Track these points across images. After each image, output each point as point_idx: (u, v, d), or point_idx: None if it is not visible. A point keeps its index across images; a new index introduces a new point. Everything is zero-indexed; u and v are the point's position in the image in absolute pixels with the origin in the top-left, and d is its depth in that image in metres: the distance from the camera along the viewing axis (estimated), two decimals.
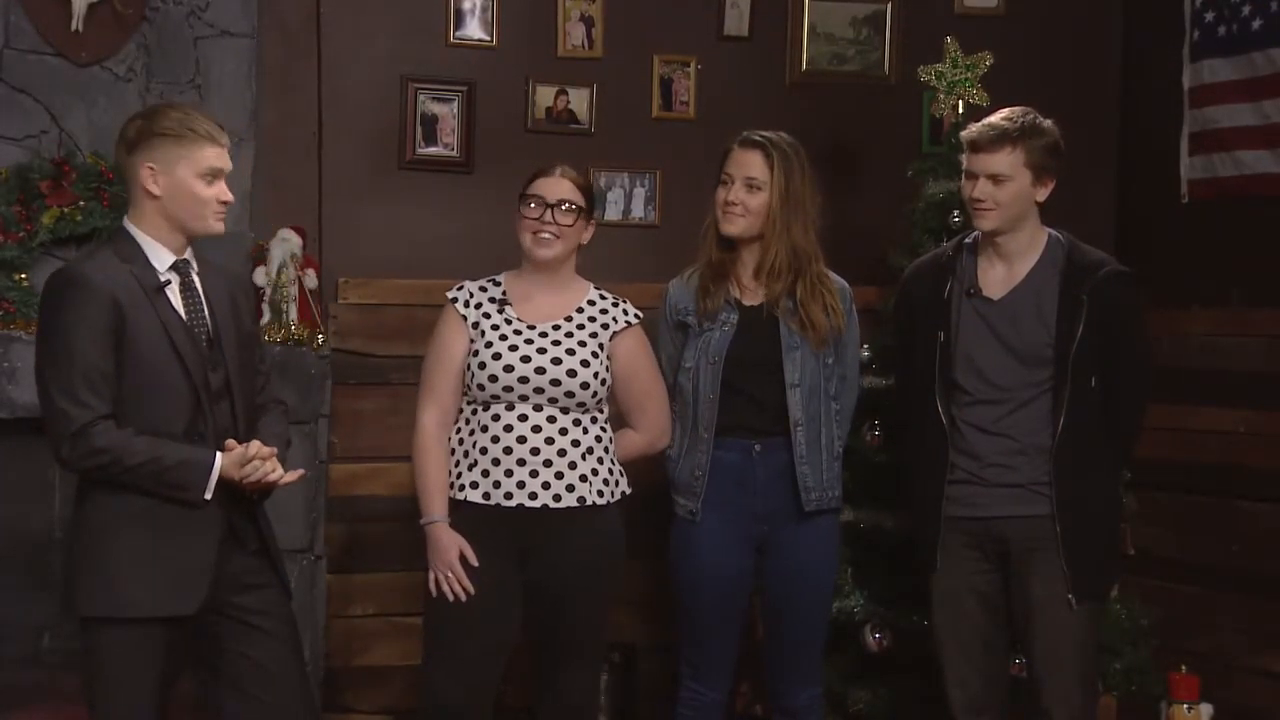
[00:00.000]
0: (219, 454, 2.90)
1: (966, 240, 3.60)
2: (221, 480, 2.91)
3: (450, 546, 3.34)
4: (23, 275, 3.95)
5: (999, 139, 3.44)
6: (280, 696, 3.03)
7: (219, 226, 3.01)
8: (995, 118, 3.51)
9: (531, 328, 3.43)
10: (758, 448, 3.54)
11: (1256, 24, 4.47)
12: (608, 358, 3.45)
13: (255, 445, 2.95)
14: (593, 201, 3.51)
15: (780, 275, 3.54)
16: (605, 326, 3.48)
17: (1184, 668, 4.37)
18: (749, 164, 3.55)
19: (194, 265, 3.02)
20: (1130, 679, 4.29)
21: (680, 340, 3.62)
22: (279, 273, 4.13)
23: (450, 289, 3.49)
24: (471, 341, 3.41)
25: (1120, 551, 3.66)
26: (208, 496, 2.89)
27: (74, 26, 4.03)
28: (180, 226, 2.97)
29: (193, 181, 2.94)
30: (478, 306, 3.45)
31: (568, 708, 3.48)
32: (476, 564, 3.33)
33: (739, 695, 4.35)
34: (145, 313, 2.89)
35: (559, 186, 3.43)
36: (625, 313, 3.52)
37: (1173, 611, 4.57)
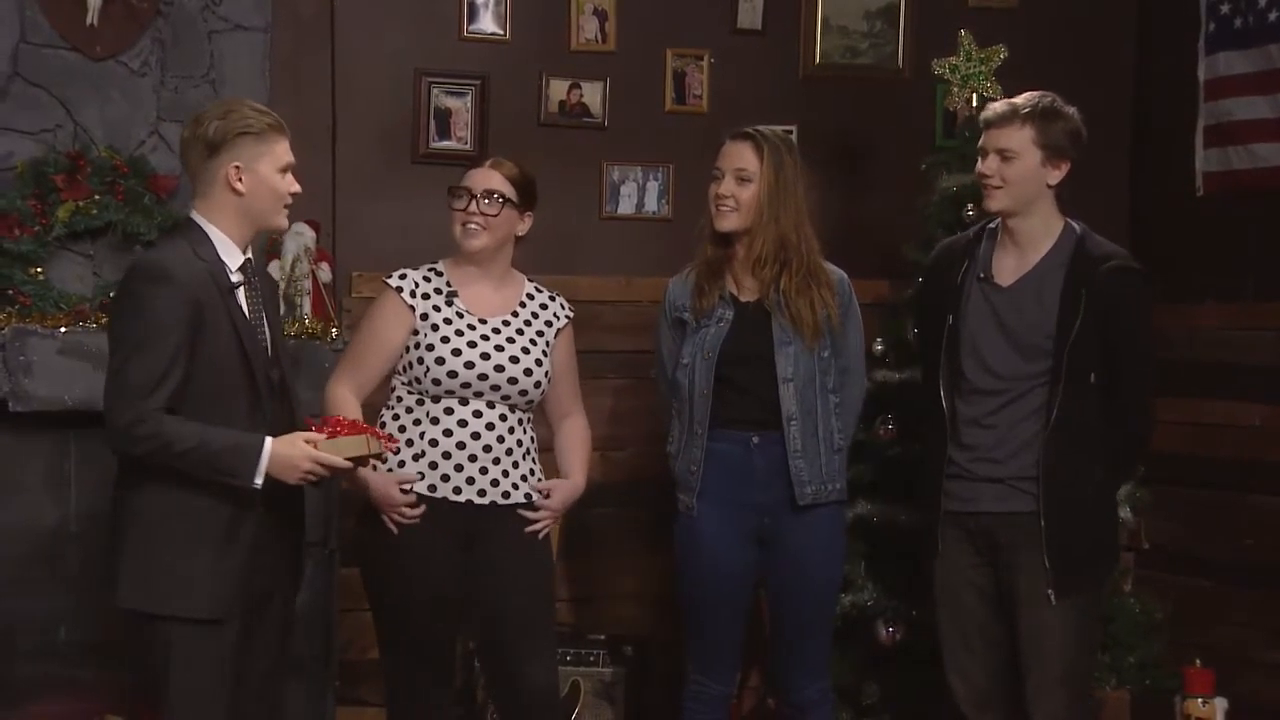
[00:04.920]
0: (269, 439, 2.90)
1: (990, 226, 3.58)
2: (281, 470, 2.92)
3: (387, 485, 3.34)
4: (38, 269, 3.96)
5: (1010, 115, 3.44)
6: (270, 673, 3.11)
7: (285, 221, 3.08)
8: (1016, 98, 3.50)
9: (484, 322, 3.45)
10: (755, 440, 3.53)
11: (1273, 16, 4.46)
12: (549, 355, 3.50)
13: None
14: (530, 194, 3.51)
15: (766, 265, 3.52)
16: (549, 324, 3.52)
17: (1198, 662, 4.36)
18: (739, 156, 3.53)
19: (253, 265, 3.06)
20: (1144, 673, 4.30)
21: (678, 337, 3.63)
22: (293, 266, 4.14)
23: (390, 276, 3.49)
24: (416, 333, 3.42)
25: (1112, 549, 3.59)
26: (258, 482, 2.89)
27: (89, 21, 4.04)
28: (254, 222, 3.01)
29: (274, 177, 2.99)
30: (425, 297, 3.45)
31: (533, 697, 3.47)
32: (413, 490, 3.35)
33: (750, 690, 4.36)
34: (220, 313, 2.94)
35: (487, 178, 3.47)
36: (563, 307, 3.57)
37: (1187, 605, 4.57)
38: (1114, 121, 4.93)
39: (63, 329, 3.88)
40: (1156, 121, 4.95)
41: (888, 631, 4.13)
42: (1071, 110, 3.47)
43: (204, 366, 2.91)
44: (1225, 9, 4.61)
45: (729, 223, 3.54)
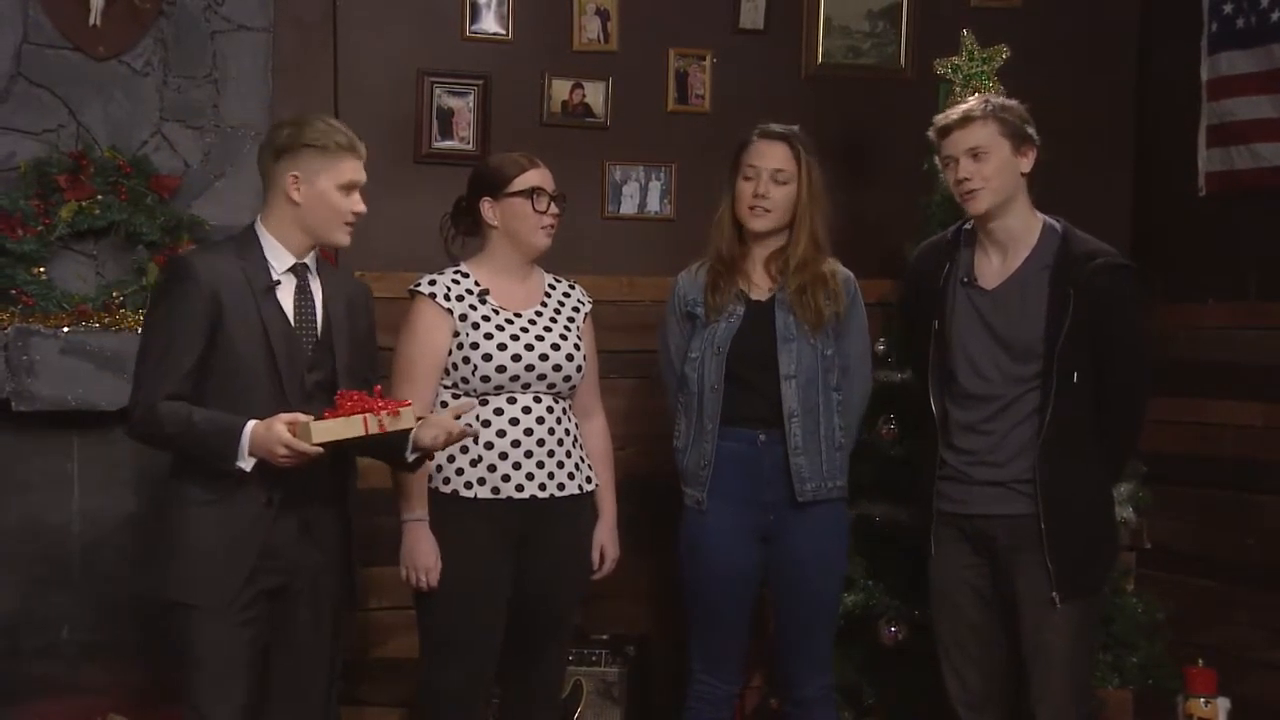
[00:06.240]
0: (251, 421, 2.90)
1: (965, 227, 3.57)
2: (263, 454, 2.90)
3: (431, 551, 3.40)
4: (41, 269, 3.97)
5: (967, 116, 3.43)
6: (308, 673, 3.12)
7: (346, 238, 3.10)
8: (959, 107, 3.51)
9: (519, 315, 3.47)
10: (762, 438, 3.55)
11: (1275, 16, 4.46)
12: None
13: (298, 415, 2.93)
14: None
15: (804, 268, 3.54)
16: (576, 309, 3.56)
17: (1201, 662, 4.36)
18: (775, 156, 3.55)
19: (312, 269, 3.09)
20: (1146, 673, 4.29)
21: (687, 331, 3.64)
22: None
23: (417, 284, 3.48)
24: (456, 335, 3.43)
25: (1111, 548, 3.58)
26: (242, 465, 2.90)
27: (92, 21, 4.05)
28: (311, 234, 3.06)
29: (332, 193, 3.03)
30: (459, 299, 3.46)
31: (542, 683, 3.54)
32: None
33: (752, 689, 4.36)
34: (247, 309, 2.97)
35: (550, 177, 3.49)
36: (583, 294, 3.62)
37: (1189, 605, 4.57)
38: (1117, 121, 4.93)
39: (65, 329, 3.89)
40: (1159, 121, 4.95)
41: (890, 631, 4.13)
42: (1015, 102, 3.49)
43: (223, 362, 2.95)
44: (1228, 9, 4.61)
45: (764, 223, 3.56)
